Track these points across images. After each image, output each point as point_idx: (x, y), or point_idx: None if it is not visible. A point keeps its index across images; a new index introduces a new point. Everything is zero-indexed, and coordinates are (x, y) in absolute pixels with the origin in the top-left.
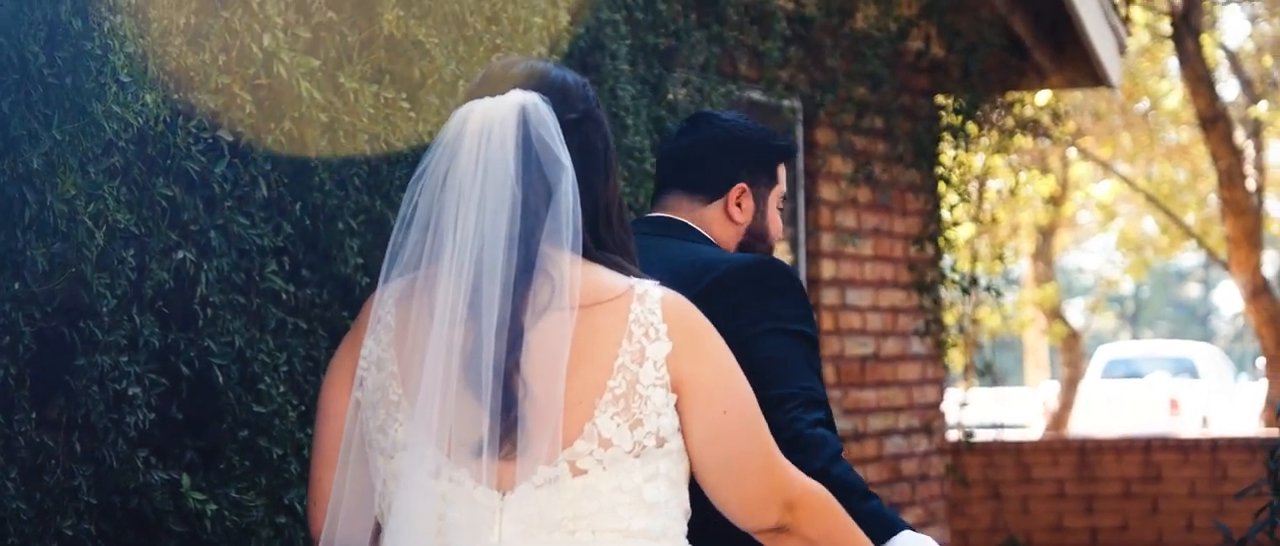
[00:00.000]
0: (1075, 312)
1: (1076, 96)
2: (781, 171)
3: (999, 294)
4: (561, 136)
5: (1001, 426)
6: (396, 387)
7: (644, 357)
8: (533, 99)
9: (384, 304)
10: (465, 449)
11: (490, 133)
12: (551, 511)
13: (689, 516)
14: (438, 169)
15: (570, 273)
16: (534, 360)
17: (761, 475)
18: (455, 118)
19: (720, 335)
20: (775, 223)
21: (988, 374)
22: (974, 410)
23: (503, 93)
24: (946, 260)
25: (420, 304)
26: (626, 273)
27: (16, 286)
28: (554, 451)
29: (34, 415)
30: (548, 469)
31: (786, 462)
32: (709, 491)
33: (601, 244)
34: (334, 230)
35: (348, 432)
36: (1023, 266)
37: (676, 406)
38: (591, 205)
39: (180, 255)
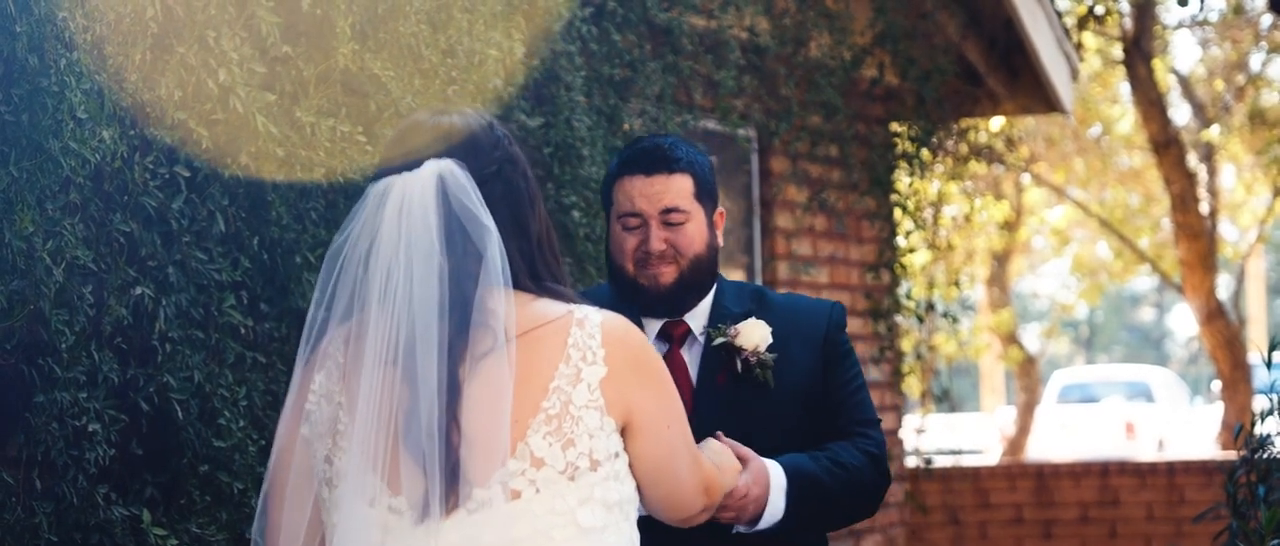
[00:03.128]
0: (1030, 338)
1: (1029, 122)
2: (616, 189)
3: (955, 320)
4: (481, 199)
5: (959, 452)
6: (344, 417)
7: (579, 379)
8: (448, 167)
9: (334, 342)
10: (401, 498)
11: (411, 211)
12: (487, 536)
13: (636, 543)
14: (357, 248)
15: (505, 311)
16: (473, 405)
17: (692, 469)
18: (372, 195)
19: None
20: (616, 242)
21: (945, 400)
22: (931, 436)
23: (416, 161)
24: (903, 287)
25: (359, 347)
26: (568, 300)
27: None
28: (488, 473)
29: None
30: (482, 492)
31: (705, 462)
32: (653, 502)
33: (539, 276)
34: (292, 264)
35: (289, 466)
36: (978, 292)
37: (624, 433)
38: (528, 241)
39: (138, 290)
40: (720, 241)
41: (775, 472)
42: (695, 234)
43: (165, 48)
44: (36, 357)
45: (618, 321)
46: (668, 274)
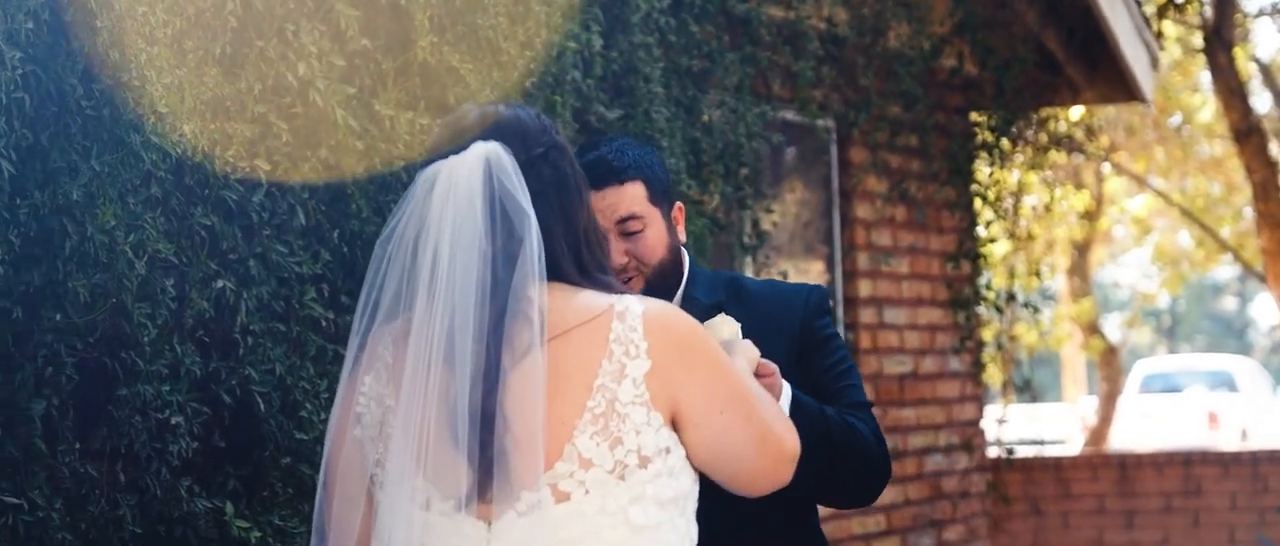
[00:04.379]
0: (1112, 327)
1: (1110, 111)
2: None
3: (1036, 310)
4: (524, 184)
5: (1042, 442)
6: (392, 419)
7: (623, 375)
8: (494, 149)
9: (382, 341)
10: (450, 500)
11: (457, 193)
12: (537, 538)
13: (694, 538)
14: (406, 236)
15: (542, 307)
16: (515, 400)
17: (761, 447)
18: (422, 180)
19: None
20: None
21: (1026, 390)
22: (1013, 427)
23: (463, 145)
24: (983, 277)
25: (407, 345)
26: (611, 290)
27: (58, 317)
28: (536, 475)
29: (77, 445)
30: (530, 494)
31: (772, 419)
32: (726, 483)
33: (585, 268)
34: (372, 257)
35: (339, 464)
36: (1059, 282)
37: (676, 423)
38: (573, 232)
39: (220, 284)
40: (682, 237)
41: (785, 384)
42: (655, 241)
43: (245, 41)
44: (119, 351)
45: (660, 309)
46: (634, 288)
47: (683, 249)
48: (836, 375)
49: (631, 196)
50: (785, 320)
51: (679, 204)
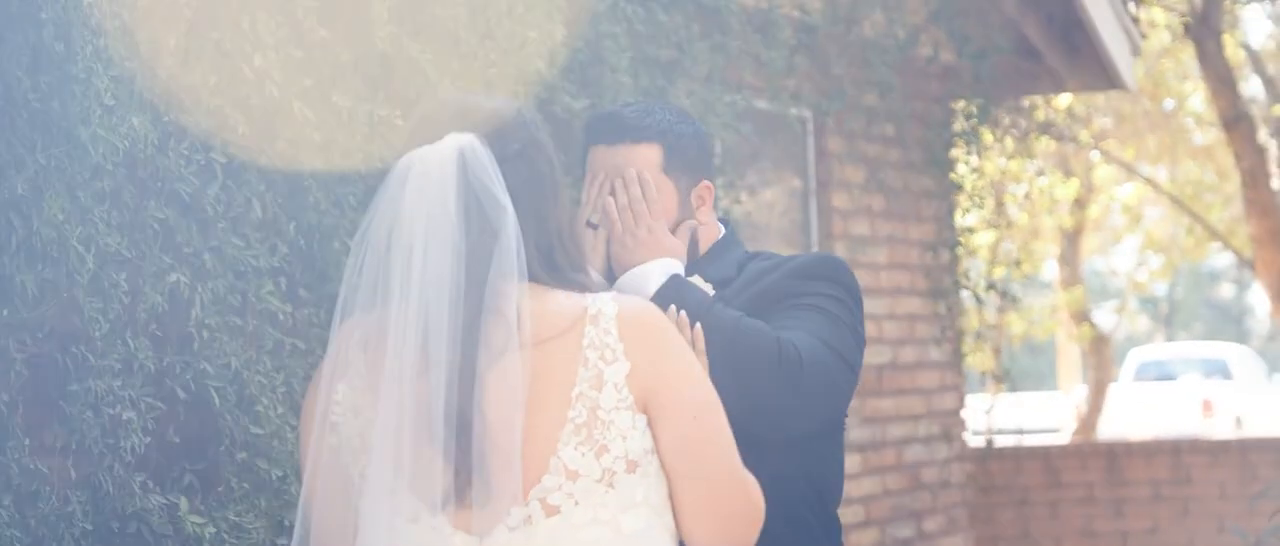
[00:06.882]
0: (1105, 315)
1: (1100, 98)
2: (587, 160)
3: (1015, 299)
4: (500, 177)
5: (1022, 432)
6: (373, 432)
7: (602, 382)
8: (469, 142)
9: (352, 347)
10: (431, 499)
11: (430, 184)
12: None
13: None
14: (379, 231)
15: (521, 306)
16: (492, 401)
17: (730, 485)
18: (396, 171)
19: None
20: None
21: (1006, 379)
22: (1003, 415)
23: (439, 136)
24: (972, 264)
25: (380, 351)
26: (583, 289)
27: (5, 312)
28: (515, 481)
29: (28, 441)
30: (520, 509)
31: (751, 478)
32: (683, 516)
33: (557, 267)
34: (330, 249)
35: (319, 474)
36: (1051, 270)
37: (648, 421)
38: (546, 231)
39: (174, 278)
40: (702, 218)
41: (675, 263)
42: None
43: (199, 32)
44: (70, 345)
45: (635, 307)
46: None
47: (719, 226)
48: (783, 311)
49: (643, 159)
50: (759, 280)
51: (706, 182)
